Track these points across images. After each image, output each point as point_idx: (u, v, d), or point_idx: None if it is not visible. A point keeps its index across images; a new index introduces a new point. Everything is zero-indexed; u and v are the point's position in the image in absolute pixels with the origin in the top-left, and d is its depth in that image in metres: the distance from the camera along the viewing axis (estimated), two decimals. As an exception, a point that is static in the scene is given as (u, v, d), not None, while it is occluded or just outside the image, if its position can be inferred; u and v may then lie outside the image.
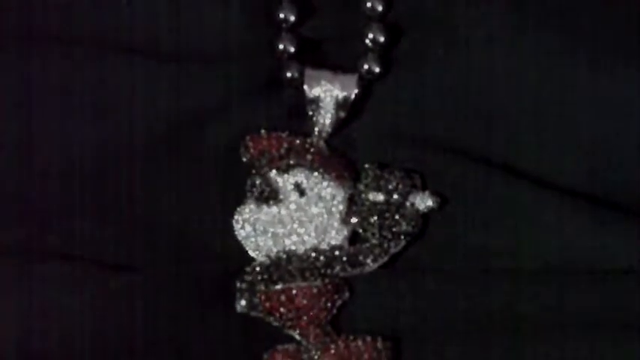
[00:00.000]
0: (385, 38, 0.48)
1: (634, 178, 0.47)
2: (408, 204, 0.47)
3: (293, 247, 0.47)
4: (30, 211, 0.48)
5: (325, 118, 0.48)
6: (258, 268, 0.47)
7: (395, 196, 0.47)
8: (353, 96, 0.48)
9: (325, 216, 0.47)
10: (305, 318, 0.47)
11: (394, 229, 0.47)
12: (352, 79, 0.48)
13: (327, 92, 0.48)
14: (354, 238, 0.48)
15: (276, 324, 0.47)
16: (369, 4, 0.48)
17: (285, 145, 0.48)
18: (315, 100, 0.48)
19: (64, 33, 0.49)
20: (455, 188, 0.47)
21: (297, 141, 0.48)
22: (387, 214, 0.47)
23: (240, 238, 0.48)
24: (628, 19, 0.48)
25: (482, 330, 0.47)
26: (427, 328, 0.47)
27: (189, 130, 0.48)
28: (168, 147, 0.48)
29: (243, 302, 0.47)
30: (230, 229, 0.48)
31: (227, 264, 0.48)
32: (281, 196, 0.48)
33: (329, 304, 0.47)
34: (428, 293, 0.47)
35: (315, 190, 0.47)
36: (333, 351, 0.47)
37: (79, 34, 0.49)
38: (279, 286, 0.47)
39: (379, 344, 0.47)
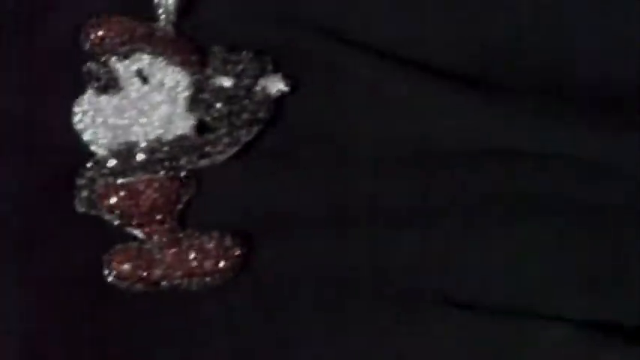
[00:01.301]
0: None
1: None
2: (258, 88, 0.44)
3: (135, 139, 0.44)
4: None
5: (169, 1, 0.44)
6: (98, 163, 0.44)
7: (244, 80, 0.44)
8: (198, -27, 0.44)
9: (169, 104, 0.44)
10: (148, 215, 0.43)
11: (244, 116, 0.44)
12: None
13: (169, -29, 0.44)
14: (201, 127, 0.44)
15: (117, 222, 0.44)
16: None
17: (128, 29, 0.44)
18: None
19: None
20: (313, 71, 0.44)
21: (141, 26, 0.44)
22: (236, 100, 0.44)
23: (79, 131, 0.44)
24: None
25: (337, 222, 0.43)
26: (280, 220, 0.43)
27: (30, 17, 0.45)
28: (7, 35, 0.44)
29: (82, 200, 0.44)
30: (69, 122, 0.44)
31: (67, 159, 0.44)
32: (122, 84, 0.44)
33: (174, 199, 0.44)
34: (284, 184, 0.43)
35: (159, 76, 0.44)
36: (176, 249, 0.43)
37: None
38: (120, 181, 0.43)
39: (227, 240, 0.43)
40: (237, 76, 0.44)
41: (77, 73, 0.44)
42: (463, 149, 0.43)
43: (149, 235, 0.43)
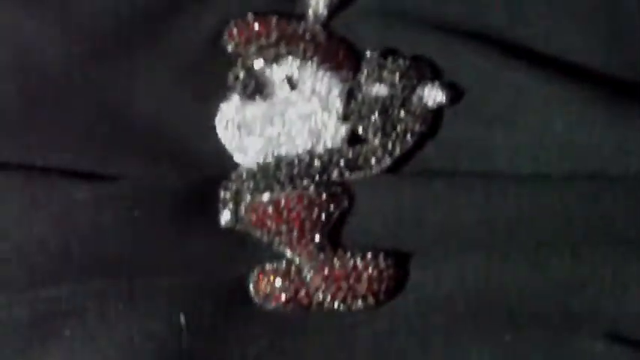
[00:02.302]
0: None
1: None
2: (415, 98, 0.42)
3: (283, 150, 0.42)
4: None
5: (319, -1, 0.41)
6: (243, 175, 0.42)
7: (400, 89, 0.41)
8: (351, -30, 0.41)
9: (320, 113, 0.42)
10: (296, 232, 0.41)
11: (399, 128, 0.42)
12: None
13: (321, -33, 0.42)
14: (353, 138, 0.42)
15: (264, 239, 0.42)
16: None
17: (275, 30, 0.41)
18: None
19: None
20: (469, 79, 0.42)
21: (289, 26, 0.42)
22: (391, 110, 0.42)
23: (223, 141, 0.42)
24: None
25: (498, 243, 0.42)
26: (438, 242, 0.41)
27: (165, 18, 0.42)
28: (142, 39, 0.42)
29: (227, 214, 0.42)
30: (212, 131, 0.42)
31: (208, 171, 0.42)
32: (269, 91, 0.42)
33: (324, 215, 0.42)
34: (437, 201, 0.41)
35: (309, 83, 0.42)
36: (327, 270, 0.41)
37: None
38: (267, 196, 0.42)
39: (381, 261, 0.42)
40: (393, 85, 0.42)
41: (219, 77, 0.42)
42: (619, 172, 0.41)
43: (299, 254, 0.41)
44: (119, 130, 0.42)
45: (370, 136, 0.42)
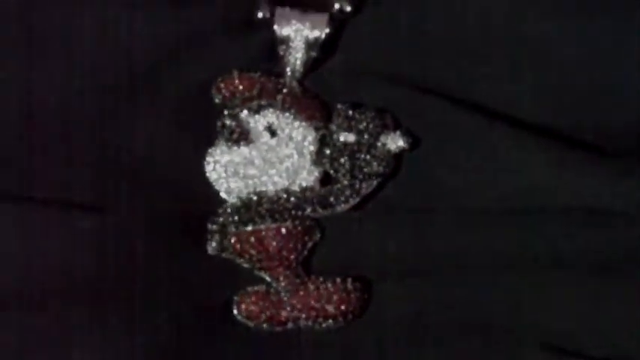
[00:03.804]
0: None
1: (604, 118, 0.46)
2: (379, 144, 0.47)
3: (264, 189, 0.47)
4: None
5: (296, 58, 0.47)
6: (229, 210, 0.47)
7: (366, 136, 0.47)
8: (324, 35, 0.47)
9: (296, 157, 0.47)
10: (275, 259, 0.47)
11: (365, 170, 0.47)
12: (323, 18, 0.47)
13: (298, 32, 0.47)
14: (325, 179, 0.47)
15: (246, 265, 0.47)
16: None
17: (257, 85, 0.47)
18: (286, 40, 0.47)
19: None
20: (427, 128, 0.47)
21: (269, 81, 0.47)
22: (359, 155, 0.47)
23: (211, 180, 0.47)
24: None
25: (456, 270, 0.47)
26: (398, 269, 0.47)
27: (161, 70, 0.47)
28: (139, 86, 0.47)
29: (214, 244, 0.47)
30: (201, 171, 0.47)
31: (198, 206, 0.47)
32: (252, 137, 0.47)
33: (299, 246, 0.47)
34: (399, 234, 0.47)
35: (287, 130, 0.47)
36: (302, 292, 0.46)
37: None
38: (249, 228, 0.47)
39: (349, 285, 0.47)
40: (360, 132, 0.47)
41: (208, 124, 0.47)
42: (560, 205, 0.46)
43: (277, 279, 0.47)
44: (118, 168, 0.47)
45: (340, 177, 0.47)
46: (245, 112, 0.47)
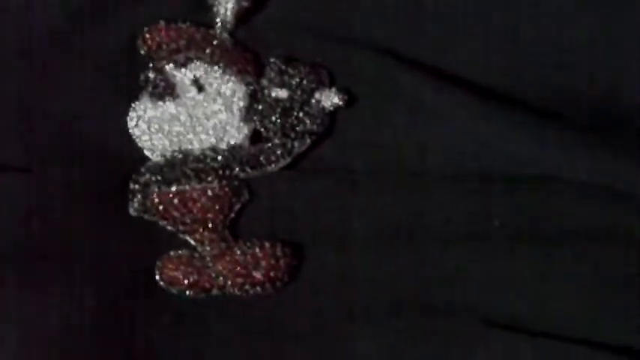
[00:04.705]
0: None
1: (557, 80, 0.44)
2: (313, 101, 0.44)
3: (189, 147, 0.44)
4: None
5: (227, 9, 0.44)
6: (152, 168, 0.44)
7: (299, 93, 0.44)
8: (256, -16, 0.44)
9: (225, 113, 0.44)
10: (200, 222, 0.44)
11: (298, 128, 0.44)
12: None
13: (228, -21, 0.44)
14: (255, 137, 0.45)
15: (170, 228, 0.44)
16: None
17: (185, 36, 0.44)
18: None
19: None
20: (364, 85, 0.44)
21: (198, 32, 0.44)
22: (291, 112, 0.44)
23: (134, 137, 0.45)
24: None
25: (385, 237, 0.44)
26: (329, 232, 0.44)
27: (86, 24, 0.45)
28: (62, 41, 0.45)
29: (135, 204, 0.44)
30: (124, 127, 0.45)
31: (123, 164, 0.45)
32: (178, 92, 0.44)
33: (226, 208, 0.44)
34: (333, 196, 0.44)
35: (215, 85, 0.44)
36: (228, 258, 0.44)
37: None
38: (173, 188, 0.44)
39: (278, 250, 0.44)
40: (293, 88, 0.44)
41: (133, 78, 0.45)
42: (507, 172, 0.44)
43: (201, 243, 0.44)
44: (34, 124, 0.45)
45: (271, 135, 0.44)
46: (171, 65, 0.44)
